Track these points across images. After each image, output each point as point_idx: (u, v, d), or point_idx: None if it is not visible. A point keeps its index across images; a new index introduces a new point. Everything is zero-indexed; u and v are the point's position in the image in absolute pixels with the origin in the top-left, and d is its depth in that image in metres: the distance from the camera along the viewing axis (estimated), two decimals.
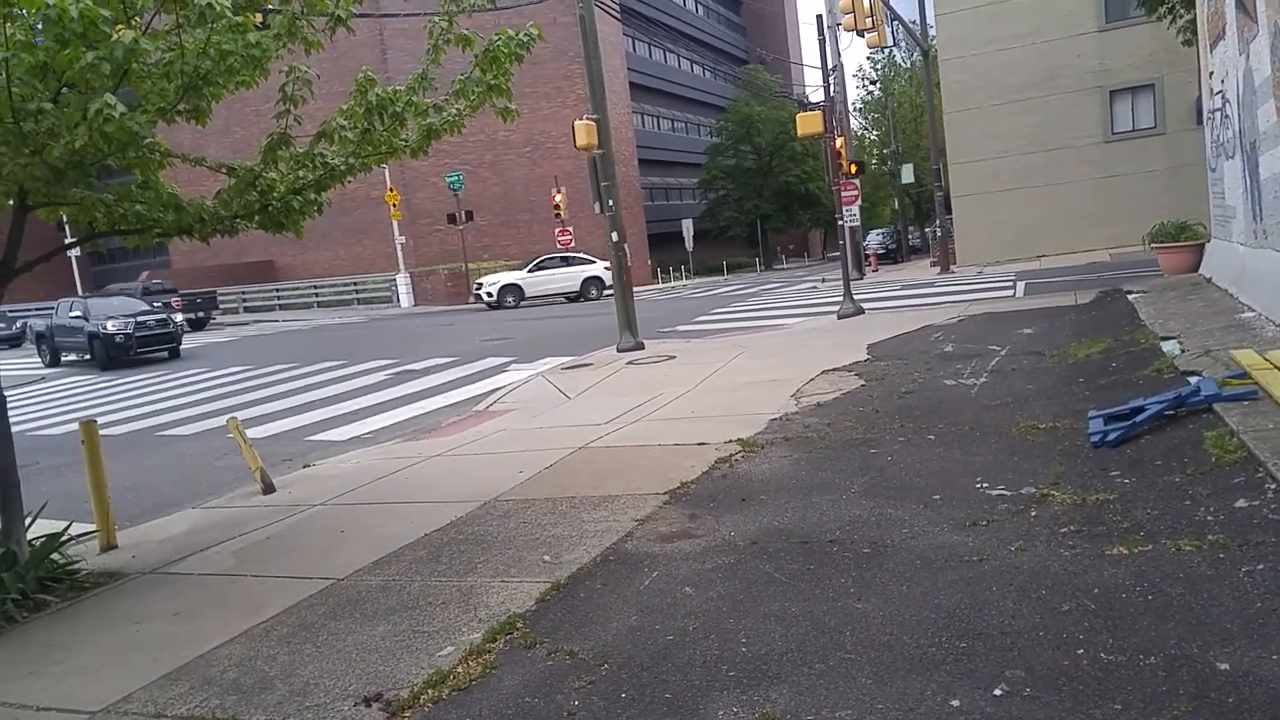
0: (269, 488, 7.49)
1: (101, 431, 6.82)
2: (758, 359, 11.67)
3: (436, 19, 6.09)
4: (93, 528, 6.28)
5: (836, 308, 16.30)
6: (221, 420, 9.32)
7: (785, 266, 47.49)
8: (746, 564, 4.54)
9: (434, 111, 6.14)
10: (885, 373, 9.43)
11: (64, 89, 4.51)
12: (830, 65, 23.86)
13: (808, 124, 16.57)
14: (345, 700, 3.63)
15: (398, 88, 5.97)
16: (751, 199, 59.91)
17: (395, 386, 13.36)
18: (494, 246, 40.76)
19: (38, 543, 5.55)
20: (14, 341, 31.72)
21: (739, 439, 7.11)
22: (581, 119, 14.37)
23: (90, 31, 3.98)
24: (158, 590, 5.39)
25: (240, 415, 8.59)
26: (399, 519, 6.14)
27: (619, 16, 29.27)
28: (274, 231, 5.83)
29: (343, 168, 5.73)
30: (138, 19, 4.63)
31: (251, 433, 8.34)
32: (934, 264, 29.64)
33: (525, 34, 6.19)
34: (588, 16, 14.61)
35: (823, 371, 9.87)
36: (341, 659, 4.03)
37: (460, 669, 3.75)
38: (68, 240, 6.69)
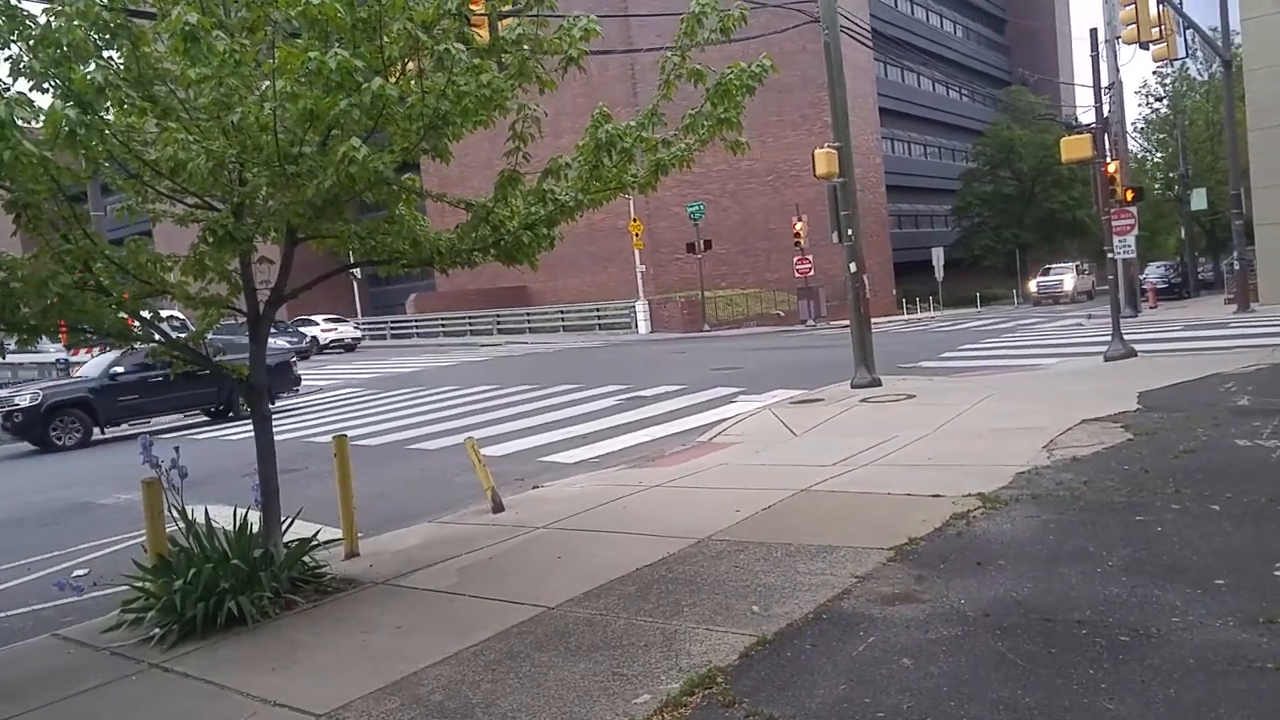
0: (498, 507, 7.80)
1: (360, 442, 7.42)
2: (1008, 402, 10.70)
3: (669, 54, 6.10)
4: (339, 535, 6.82)
5: (1104, 348, 14.69)
6: (463, 437, 9.92)
7: (1045, 300, 43.78)
8: (976, 639, 4.05)
9: (663, 147, 6.14)
10: (1159, 426, 8.27)
11: (330, 134, 4.95)
12: (1105, 83, 21.78)
13: (1073, 149, 15.09)
14: None
15: (629, 123, 6.02)
16: (1010, 227, 56.14)
17: (625, 412, 13.63)
18: (731, 275, 41.02)
19: (292, 545, 6.09)
20: (303, 354, 35.16)
21: (979, 493, 6.47)
22: (822, 147, 14.02)
23: (346, 81, 4.33)
24: (387, 601, 5.71)
25: (479, 434, 9.08)
26: (613, 549, 6.13)
27: (869, 43, 28.53)
28: (508, 264, 6.06)
29: (571, 203, 5.86)
30: (394, 67, 4.99)
31: (487, 451, 8.77)
32: (1229, 301, 26.08)
33: (758, 65, 6.04)
34: (833, 43, 14.29)
35: (1083, 421, 8.84)
36: (540, 694, 4.01)
37: None
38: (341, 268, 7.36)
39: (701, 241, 35.95)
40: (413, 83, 4.89)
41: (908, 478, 7.29)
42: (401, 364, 28.59)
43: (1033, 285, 45.62)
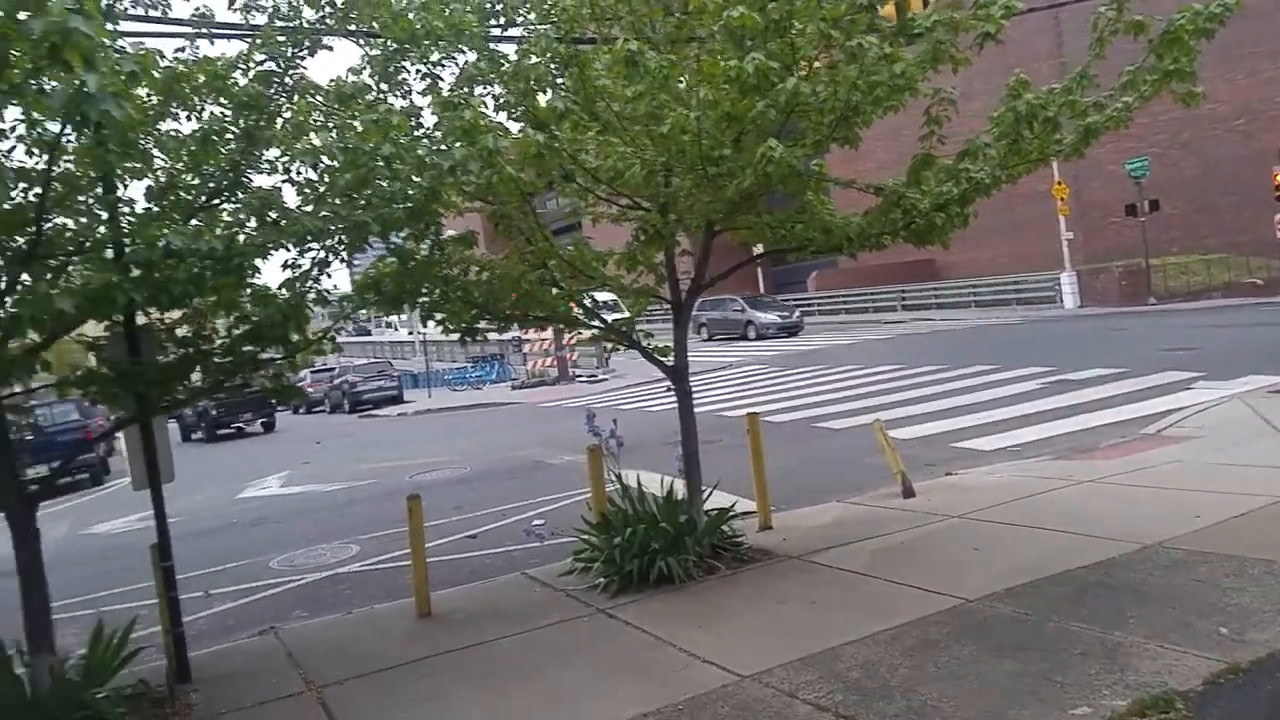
0: (909, 492, 7.65)
1: (766, 419, 7.74)
2: None
3: (1103, 9, 5.43)
4: (753, 507, 7.18)
5: None
6: (869, 417, 9.85)
7: None
8: None
9: (1094, 110, 5.51)
10: None
11: (741, 135, 5.21)
12: None
13: None
14: None
15: (1052, 87, 5.52)
16: None
17: (1049, 397, 12.49)
18: (1185, 239, 35.24)
19: (711, 514, 6.55)
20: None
21: None
22: None
23: (762, 83, 4.53)
24: (800, 576, 5.92)
25: (885, 415, 8.95)
26: (1039, 546, 5.72)
27: None
28: (919, 245, 5.90)
29: (987, 180, 5.53)
30: (804, 63, 5.09)
31: (895, 434, 8.62)
32: None
33: (1219, 4, 5.14)
34: None
35: None
36: (961, 687, 3.90)
37: None
38: (748, 257, 7.74)
39: (1145, 202, 31.44)
40: (824, 77, 4.95)
41: None
42: (803, 342, 29.12)
43: None
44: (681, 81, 5.04)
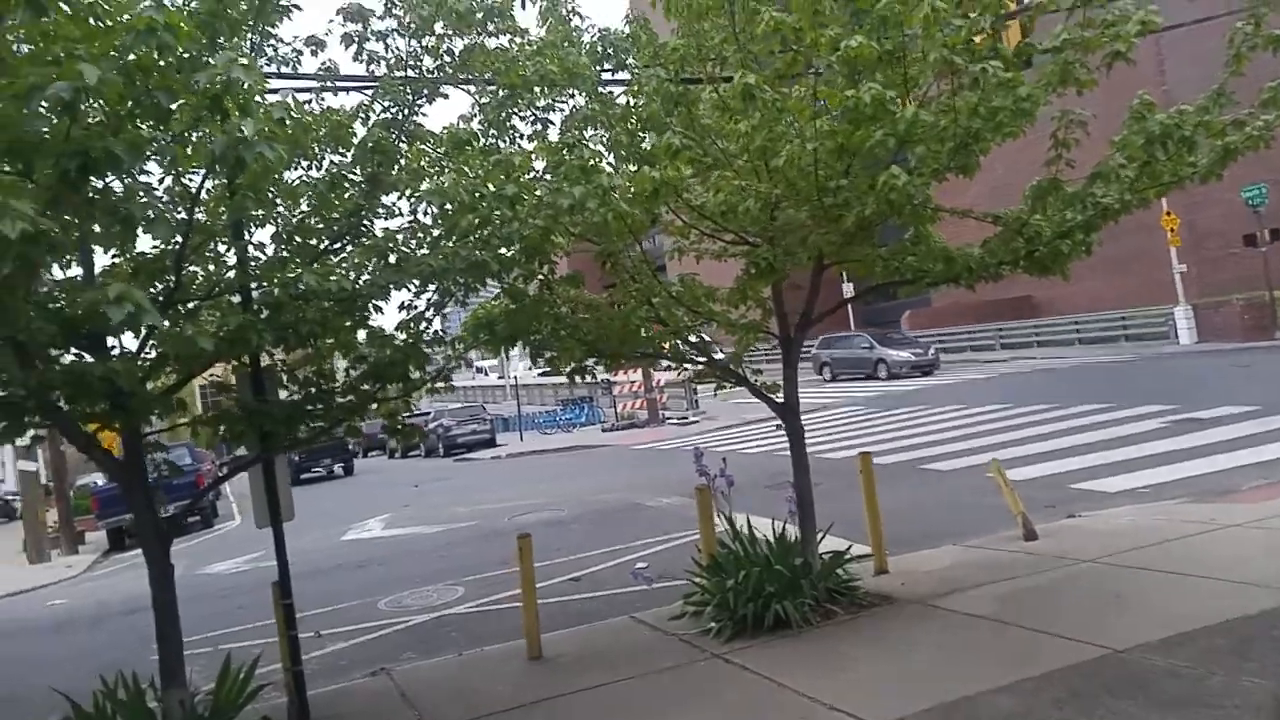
0: (1030, 535, 7.27)
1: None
2: None
3: (1239, 25, 5.19)
4: (867, 550, 6.92)
5: None
6: (977, 458, 9.47)
7: None
8: None
9: (1233, 129, 5.23)
10: None
11: (850, 166, 5.12)
12: None
13: None
14: None
15: (1183, 108, 5.26)
16: None
17: (1174, 437, 11.78)
18: None
19: (825, 558, 6.34)
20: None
21: None
22: None
23: (879, 112, 4.44)
24: (925, 621, 5.65)
25: (996, 456, 8.57)
26: (1187, 594, 5.34)
27: None
28: (1038, 275, 5.67)
29: (1116, 205, 5.29)
30: (916, 91, 4.99)
31: (1008, 474, 8.23)
32: None
33: None
34: None
35: None
36: None
37: None
38: (847, 288, 7.56)
39: (1265, 231, 29.81)
40: (942, 104, 4.84)
41: None
42: (900, 383, 28.38)
43: None
44: (789, 116, 4.98)
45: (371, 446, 39.10)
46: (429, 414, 34.17)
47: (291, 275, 4.53)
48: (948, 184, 5.59)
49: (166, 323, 4.76)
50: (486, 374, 69.68)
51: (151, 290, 4.89)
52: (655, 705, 4.91)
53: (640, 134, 5.54)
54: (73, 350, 4.83)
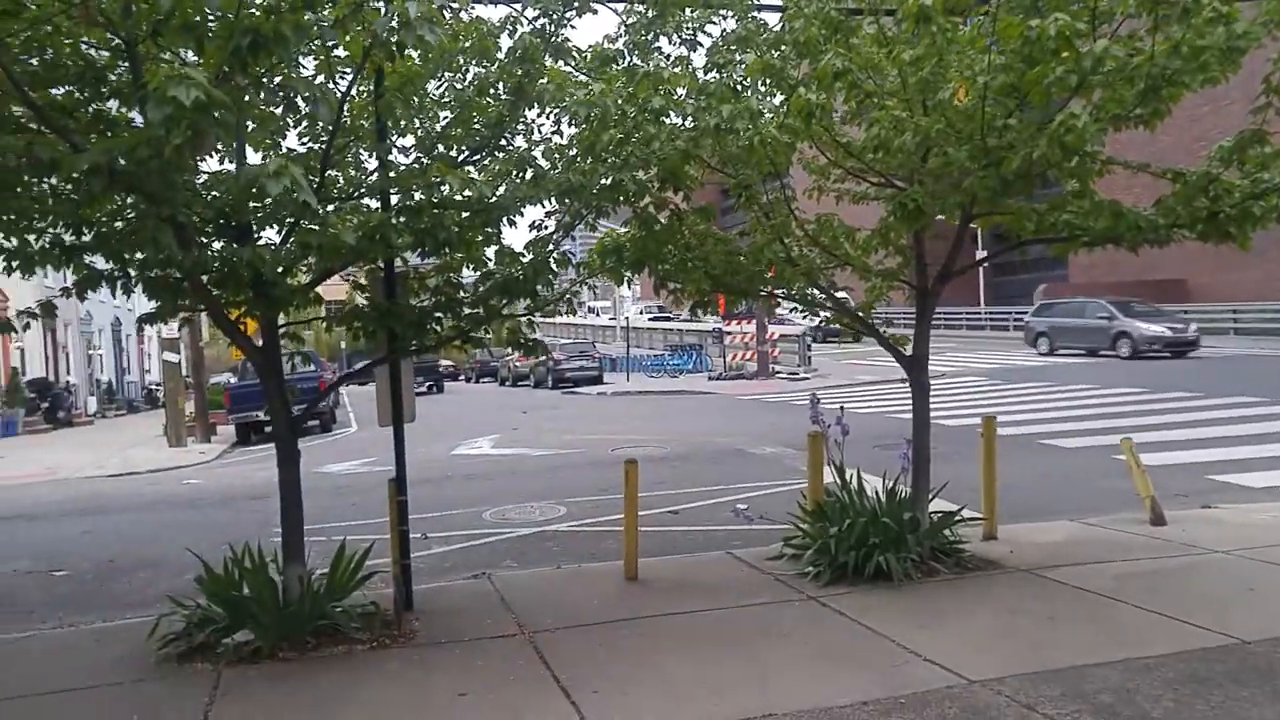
0: (1158, 519, 6.90)
1: None
2: None
3: None
4: (979, 515, 6.71)
5: None
6: (1104, 439, 8.99)
7: None
8: None
9: None
10: None
11: (1019, 105, 4.81)
12: None
13: None
14: None
15: None
16: None
17: None
18: None
19: (934, 517, 6.18)
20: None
21: None
22: None
23: (1063, 47, 4.11)
24: (1033, 589, 5.47)
25: (1130, 437, 8.10)
26: None
27: None
28: (1216, 242, 5.18)
29: None
30: (1105, 26, 4.62)
31: (1141, 458, 7.80)
32: None
33: None
34: None
35: None
36: None
37: None
38: (980, 252, 7.20)
39: None
40: (1138, 41, 4.46)
41: None
42: (1027, 357, 27.13)
43: None
44: (958, 47, 4.70)
45: (484, 373, 41.46)
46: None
47: (435, 179, 4.63)
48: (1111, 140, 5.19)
49: (315, 203, 4.99)
50: (598, 314, 70.54)
51: None
52: (745, 637, 4.93)
53: (794, 59, 5.32)
54: (222, 241, 5.12)
